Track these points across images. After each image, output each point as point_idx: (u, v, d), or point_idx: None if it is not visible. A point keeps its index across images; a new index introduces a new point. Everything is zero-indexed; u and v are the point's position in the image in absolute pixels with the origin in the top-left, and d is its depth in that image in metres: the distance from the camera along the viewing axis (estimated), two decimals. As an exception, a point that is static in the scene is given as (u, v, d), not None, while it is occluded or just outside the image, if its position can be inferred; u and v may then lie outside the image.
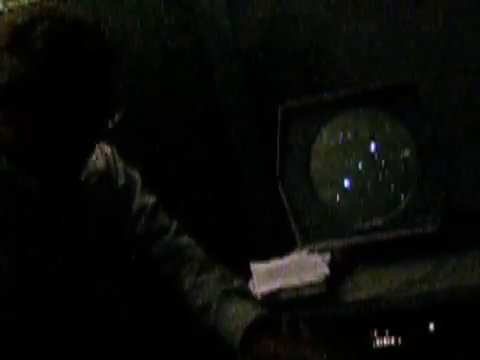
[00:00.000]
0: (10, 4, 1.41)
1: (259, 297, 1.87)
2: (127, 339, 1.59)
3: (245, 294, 1.62)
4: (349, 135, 2.02)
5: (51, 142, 1.40)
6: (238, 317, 1.55)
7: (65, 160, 1.44)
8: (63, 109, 1.37)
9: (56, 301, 1.47)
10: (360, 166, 2.01)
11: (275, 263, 1.99)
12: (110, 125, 1.46)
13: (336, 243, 2.02)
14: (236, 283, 1.64)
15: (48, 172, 1.45)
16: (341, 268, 1.96)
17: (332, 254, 2.00)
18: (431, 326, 1.73)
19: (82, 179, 1.55)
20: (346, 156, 2.02)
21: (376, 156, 2.01)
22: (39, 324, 1.45)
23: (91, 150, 1.49)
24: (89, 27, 1.39)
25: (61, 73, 1.35)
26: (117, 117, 1.46)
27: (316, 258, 1.98)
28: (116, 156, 1.69)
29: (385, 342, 1.76)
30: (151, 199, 1.71)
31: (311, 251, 2.02)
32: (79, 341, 1.49)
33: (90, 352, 1.50)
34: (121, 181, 1.67)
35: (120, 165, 1.69)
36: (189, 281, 1.63)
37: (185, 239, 1.71)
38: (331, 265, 1.94)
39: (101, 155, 1.65)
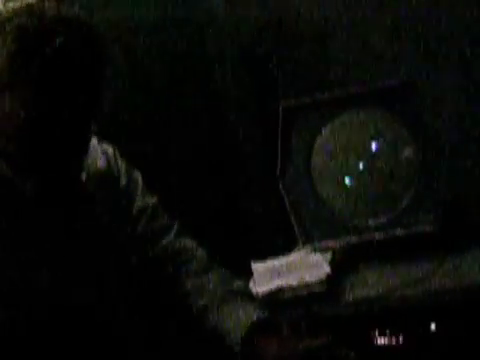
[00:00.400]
0: (10, 5, 1.41)
1: (260, 296, 1.87)
2: (127, 339, 1.59)
3: (246, 296, 1.63)
4: (350, 134, 2.02)
5: (36, 139, 1.40)
6: (239, 318, 1.56)
7: (55, 158, 1.43)
8: (37, 105, 1.37)
9: (57, 301, 1.47)
10: (361, 165, 2.01)
11: (276, 262, 2.00)
12: (98, 120, 1.45)
13: (337, 242, 2.02)
14: (237, 284, 1.65)
15: (42, 173, 1.45)
16: (342, 267, 1.96)
17: (333, 253, 2.00)
18: (432, 325, 1.73)
19: (83, 179, 1.55)
20: (347, 155, 2.02)
21: (377, 155, 2.01)
22: (40, 324, 1.44)
23: (82, 145, 1.48)
24: (68, 23, 1.38)
25: (34, 67, 1.35)
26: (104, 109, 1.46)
27: (317, 257, 1.98)
28: (118, 156, 1.69)
29: (386, 341, 1.76)
30: (152, 200, 1.71)
31: (312, 250, 2.02)
32: (79, 341, 1.49)
33: (90, 352, 1.50)
34: (123, 181, 1.67)
35: (122, 165, 1.68)
36: (190, 282, 1.64)
37: (186, 240, 1.71)
38: (332, 264, 1.94)
39: (103, 155, 1.64)
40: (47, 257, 1.46)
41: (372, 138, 2.01)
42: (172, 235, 1.70)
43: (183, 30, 2.34)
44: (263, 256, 2.02)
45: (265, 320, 1.56)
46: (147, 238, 1.67)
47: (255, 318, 1.55)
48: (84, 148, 1.49)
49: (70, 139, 1.43)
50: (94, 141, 1.63)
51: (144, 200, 1.69)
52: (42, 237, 1.47)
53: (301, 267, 1.94)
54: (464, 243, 1.91)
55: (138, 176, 1.71)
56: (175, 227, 1.72)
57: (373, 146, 2.01)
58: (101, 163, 1.63)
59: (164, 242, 1.68)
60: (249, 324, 1.54)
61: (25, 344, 1.44)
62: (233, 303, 1.59)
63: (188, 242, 1.71)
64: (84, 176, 1.56)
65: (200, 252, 1.70)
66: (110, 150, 1.68)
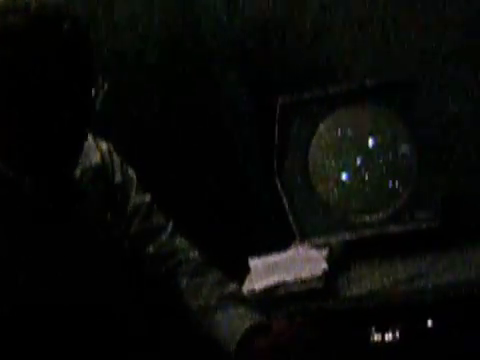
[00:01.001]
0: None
1: (257, 292, 1.87)
2: (122, 338, 1.59)
3: (240, 299, 1.63)
4: (348, 130, 2.01)
5: (32, 135, 1.40)
6: (234, 322, 1.56)
7: (51, 153, 1.43)
8: (36, 106, 1.37)
9: (52, 300, 1.46)
10: (359, 161, 2.01)
11: (273, 258, 2.00)
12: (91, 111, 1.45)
13: (334, 238, 2.02)
14: (231, 288, 1.65)
15: (40, 170, 1.45)
16: (339, 263, 1.97)
17: (330, 249, 2.00)
18: (429, 321, 1.73)
19: (77, 176, 1.55)
20: (345, 151, 2.02)
21: (374, 152, 2.00)
22: (34, 322, 1.44)
23: (77, 140, 1.47)
24: (53, 13, 1.37)
25: (17, 60, 1.35)
26: (100, 96, 1.44)
27: (315, 253, 1.98)
28: (113, 153, 1.69)
29: (383, 337, 1.76)
30: (146, 198, 1.71)
31: (310, 246, 2.02)
32: (74, 339, 1.48)
33: (84, 350, 1.50)
34: (117, 178, 1.67)
35: (117, 162, 1.68)
36: (184, 283, 1.64)
37: (180, 240, 1.71)
38: (329, 260, 1.94)
39: (97, 151, 1.64)
40: (42, 255, 1.46)
41: (370, 134, 2.01)
42: (166, 235, 1.69)
43: (181, 25, 2.34)
44: (261, 252, 2.02)
45: (260, 324, 1.56)
46: (141, 237, 1.67)
47: (250, 323, 1.56)
48: (80, 147, 1.49)
49: (69, 139, 1.43)
50: (89, 137, 1.63)
51: (139, 197, 1.69)
52: (38, 235, 1.47)
53: (298, 263, 1.94)
54: (461, 240, 1.91)
55: (133, 174, 1.71)
56: (169, 227, 1.71)
57: (370, 142, 2.01)
58: (96, 159, 1.63)
59: (158, 242, 1.68)
60: (244, 329, 1.54)
61: (19, 343, 1.44)
62: (228, 307, 1.59)
63: (182, 243, 1.71)
64: (78, 172, 1.55)
65: (194, 253, 1.70)
66: (105, 147, 1.67)
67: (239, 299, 1.63)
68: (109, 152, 1.67)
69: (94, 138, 1.65)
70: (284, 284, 1.89)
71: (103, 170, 1.63)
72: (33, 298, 1.44)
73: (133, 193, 1.68)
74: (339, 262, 1.97)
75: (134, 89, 2.36)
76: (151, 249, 1.66)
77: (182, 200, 2.22)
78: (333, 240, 2.02)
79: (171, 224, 1.72)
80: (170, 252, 1.67)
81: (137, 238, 1.66)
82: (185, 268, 1.65)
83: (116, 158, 1.68)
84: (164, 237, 1.68)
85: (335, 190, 2.03)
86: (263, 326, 1.56)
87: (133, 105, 2.36)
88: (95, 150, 1.64)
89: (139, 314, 1.61)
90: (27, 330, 1.44)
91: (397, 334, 1.75)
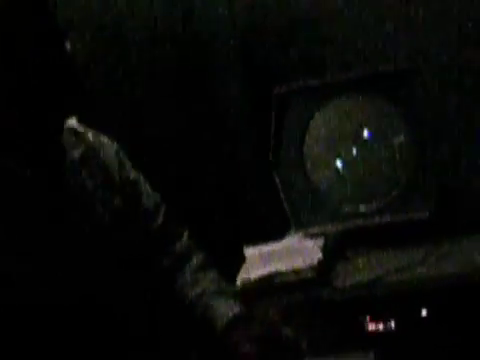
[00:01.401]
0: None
1: (252, 281, 1.88)
2: (126, 336, 1.59)
3: (231, 293, 1.71)
4: (344, 120, 2.02)
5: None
6: (224, 310, 1.65)
7: (37, 118, 1.43)
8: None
9: (55, 296, 1.46)
10: (354, 151, 2.01)
11: (269, 247, 2.00)
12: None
13: (330, 228, 2.03)
14: (224, 284, 1.73)
15: (32, 149, 1.45)
16: (334, 253, 1.97)
17: (325, 239, 2.00)
18: (424, 311, 1.74)
19: (76, 157, 1.55)
20: (340, 141, 2.02)
21: (370, 141, 2.01)
22: (38, 320, 1.44)
23: (62, 104, 1.46)
24: None
25: None
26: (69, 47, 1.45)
27: (310, 242, 1.99)
28: (120, 151, 1.70)
29: (378, 327, 1.77)
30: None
31: (304, 236, 2.03)
32: (78, 336, 1.48)
33: (90, 348, 1.50)
34: (132, 175, 1.69)
35: (128, 163, 1.70)
36: (189, 276, 1.70)
37: (191, 241, 1.76)
38: (324, 250, 1.95)
39: (100, 147, 1.64)
40: (42, 254, 1.46)
41: (365, 124, 2.01)
42: (187, 236, 1.75)
43: (179, 15, 2.34)
44: (256, 241, 2.02)
45: (243, 313, 1.65)
46: (164, 236, 1.72)
47: (236, 311, 1.64)
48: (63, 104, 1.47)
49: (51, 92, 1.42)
50: (89, 132, 1.63)
51: (155, 195, 1.72)
52: (37, 234, 1.46)
53: (293, 253, 1.95)
54: (456, 230, 1.92)
55: (140, 174, 1.74)
56: (186, 232, 1.76)
57: (366, 132, 2.01)
58: (99, 155, 1.63)
59: (181, 242, 1.74)
60: (231, 316, 1.63)
61: (19, 343, 1.43)
62: (220, 298, 1.67)
63: (192, 243, 1.77)
64: (76, 155, 1.56)
65: (200, 252, 1.76)
66: (110, 144, 1.68)
67: (230, 293, 1.71)
68: (115, 150, 1.68)
69: (96, 134, 1.65)
70: (279, 273, 1.89)
71: (106, 166, 1.63)
72: (32, 297, 1.43)
73: (149, 191, 1.71)
74: (334, 252, 1.97)
75: (133, 87, 2.36)
76: (173, 248, 1.72)
77: (178, 190, 2.22)
78: (328, 230, 2.03)
79: (187, 229, 1.76)
80: (189, 251, 1.74)
81: (159, 238, 1.70)
82: (192, 263, 1.72)
83: (124, 156, 1.69)
84: (185, 238, 1.75)
85: (330, 180, 2.04)
86: (246, 314, 1.64)
87: (131, 103, 2.36)
88: (97, 145, 1.64)
89: (140, 313, 1.62)
90: (27, 329, 1.43)
91: (392, 323, 1.76)
